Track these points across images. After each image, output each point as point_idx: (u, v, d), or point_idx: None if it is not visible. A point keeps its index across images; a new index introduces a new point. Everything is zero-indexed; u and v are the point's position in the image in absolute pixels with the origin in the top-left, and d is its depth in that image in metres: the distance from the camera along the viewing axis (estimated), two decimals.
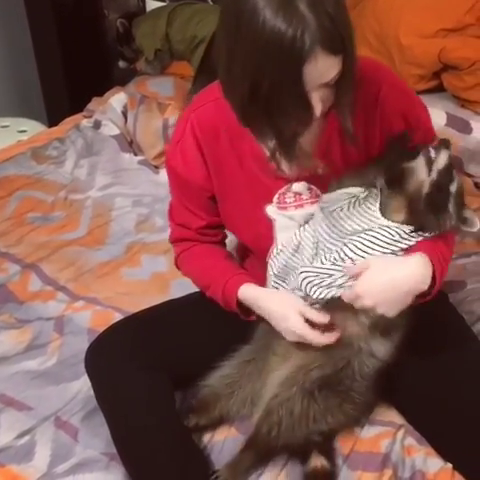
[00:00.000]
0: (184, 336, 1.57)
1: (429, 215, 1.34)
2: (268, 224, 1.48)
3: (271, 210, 1.47)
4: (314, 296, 1.38)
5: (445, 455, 1.45)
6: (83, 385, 1.67)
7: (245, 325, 1.55)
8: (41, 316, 1.93)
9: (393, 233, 1.35)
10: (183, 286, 1.90)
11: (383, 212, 1.36)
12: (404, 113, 1.40)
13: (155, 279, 2.07)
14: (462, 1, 2.44)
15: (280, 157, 1.35)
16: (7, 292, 2.03)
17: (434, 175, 1.32)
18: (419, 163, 1.33)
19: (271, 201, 1.46)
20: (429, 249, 1.35)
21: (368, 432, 1.51)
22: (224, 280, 1.49)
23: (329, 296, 1.37)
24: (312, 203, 1.45)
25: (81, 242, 2.24)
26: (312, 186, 1.45)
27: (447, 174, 1.33)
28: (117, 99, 2.77)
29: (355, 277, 1.34)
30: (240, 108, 1.27)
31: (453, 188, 1.33)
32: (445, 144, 1.34)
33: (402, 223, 1.35)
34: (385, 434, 1.50)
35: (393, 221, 1.35)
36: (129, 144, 2.70)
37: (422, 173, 1.33)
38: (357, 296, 1.33)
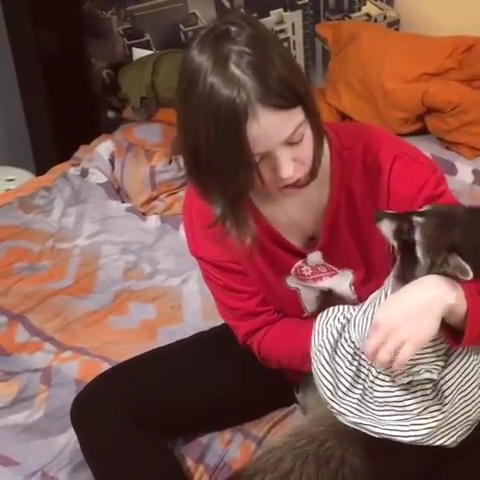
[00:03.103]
0: (172, 385, 1.55)
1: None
2: (292, 293, 1.46)
3: (292, 281, 1.45)
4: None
5: None
6: (70, 438, 1.64)
7: (236, 373, 1.54)
8: (28, 368, 1.91)
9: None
10: (171, 333, 1.91)
11: None
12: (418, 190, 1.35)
13: (143, 327, 2.05)
14: (443, 46, 2.49)
15: (230, 225, 1.29)
16: None
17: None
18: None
19: (289, 273, 1.44)
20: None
21: None
22: None
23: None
24: (331, 276, 1.43)
25: (68, 291, 2.22)
26: (325, 263, 1.42)
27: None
28: (104, 147, 2.77)
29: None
30: (187, 168, 1.26)
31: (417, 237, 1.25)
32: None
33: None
34: None
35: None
36: (116, 191, 2.70)
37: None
38: (375, 326, 1.19)
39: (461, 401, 1.29)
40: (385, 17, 2.78)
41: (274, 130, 1.16)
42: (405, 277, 1.25)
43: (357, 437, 1.35)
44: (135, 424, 1.46)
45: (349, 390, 1.31)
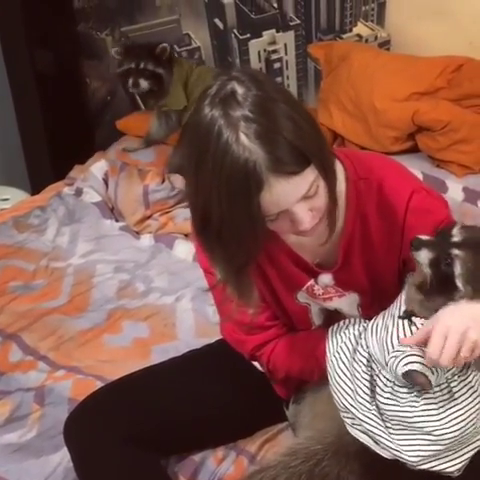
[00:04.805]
0: (164, 403, 1.55)
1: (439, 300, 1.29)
2: (302, 308, 1.48)
3: (302, 297, 1.47)
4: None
5: None
6: (63, 457, 1.64)
7: (229, 391, 1.55)
8: (21, 387, 1.91)
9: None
10: (165, 351, 1.92)
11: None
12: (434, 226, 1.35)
13: (136, 345, 2.06)
14: (433, 66, 2.51)
15: (232, 290, 1.31)
16: None
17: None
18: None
19: (300, 289, 1.45)
20: None
21: None
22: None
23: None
24: (340, 296, 1.45)
25: (62, 310, 2.23)
26: (334, 285, 1.43)
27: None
28: (98, 167, 2.79)
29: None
30: (195, 230, 1.26)
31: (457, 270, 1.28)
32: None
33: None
34: None
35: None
36: (110, 211, 2.72)
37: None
38: (445, 331, 1.19)
39: (473, 432, 1.32)
40: (376, 38, 2.81)
41: (287, 195, 1.17)
42: (436, 300, 1.28)
43: (355, 455, 1.37)
44: (128, 442, 1.46)
45: (368, 396, 1.33)
